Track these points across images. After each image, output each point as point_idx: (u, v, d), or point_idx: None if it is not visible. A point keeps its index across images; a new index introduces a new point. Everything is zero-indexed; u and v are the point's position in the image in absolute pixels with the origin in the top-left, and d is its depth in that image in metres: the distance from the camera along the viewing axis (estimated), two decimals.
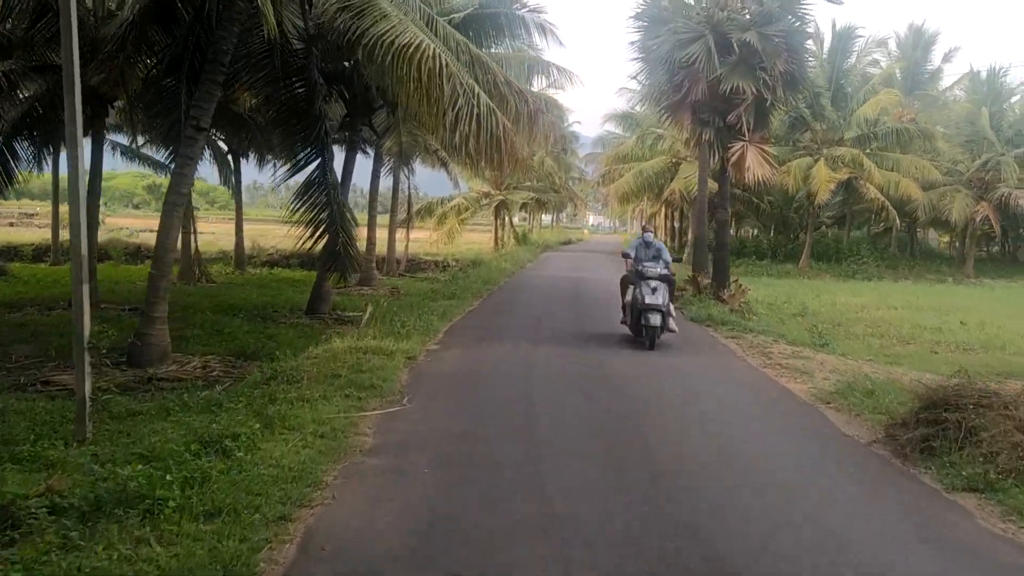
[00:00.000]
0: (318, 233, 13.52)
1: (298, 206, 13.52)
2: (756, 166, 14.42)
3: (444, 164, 31.37)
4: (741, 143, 14.93)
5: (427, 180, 44.93)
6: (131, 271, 24.00)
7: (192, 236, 22.65)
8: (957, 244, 53.14)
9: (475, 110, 11.11)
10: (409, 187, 33.63)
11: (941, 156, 39.01)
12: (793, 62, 15.48)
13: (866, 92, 37.32)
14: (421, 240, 47.91)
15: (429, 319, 13.56)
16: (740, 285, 15.60)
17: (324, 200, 13.62)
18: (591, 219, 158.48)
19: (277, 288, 20.86)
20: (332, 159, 14.34)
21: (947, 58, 43.54)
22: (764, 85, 15.29)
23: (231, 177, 27.18)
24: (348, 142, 19.16)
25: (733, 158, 14.71)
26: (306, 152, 13.96)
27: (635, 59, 18.71)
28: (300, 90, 13.79)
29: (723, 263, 17.95)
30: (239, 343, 11.26)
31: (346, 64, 15.77)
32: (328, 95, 15.71)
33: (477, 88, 11.66)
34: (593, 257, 40.84)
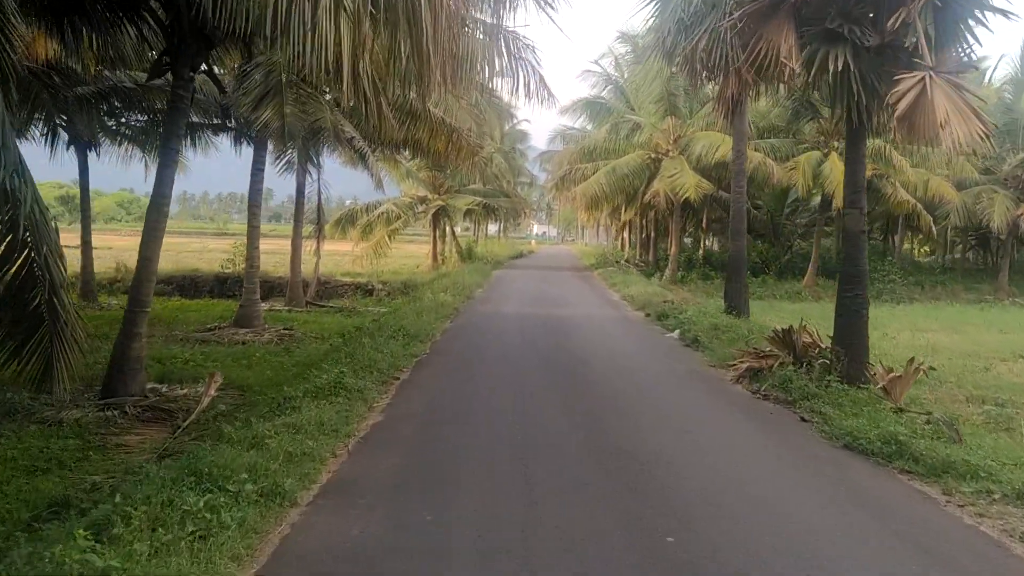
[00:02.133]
0: None
1: None
2: (955, 117, 6.93)
3: (362, 157, 23.28)
4: (917, 74, 7.33)
5: (352, 182, 36.75)
6: None
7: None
8: (940, 254, 47.31)
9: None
10: (319, 188, 25.41)
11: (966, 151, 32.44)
12: None
13: None
14: (342, 255, 39.64)
15: (303, 443, 5.75)
16: (913, 364, 7.92)
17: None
18: (535, 228, 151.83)
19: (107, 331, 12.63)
20: None
21: None
22: None
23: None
24: (170, 100, 11.11)
25: (902, 103, 7.18)
26: None
27: None
28: None
29: (856, 317, 9.48)
30: None
31: None
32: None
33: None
34: (558, 277, 33.08)
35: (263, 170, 18.86)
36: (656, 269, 34.86)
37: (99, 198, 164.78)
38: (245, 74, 15.98)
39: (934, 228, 30.55)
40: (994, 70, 37.97)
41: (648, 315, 17.13)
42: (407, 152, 27.37)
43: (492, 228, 77.11)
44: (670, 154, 31.23)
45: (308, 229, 25.82)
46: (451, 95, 19.23)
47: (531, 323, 15.38)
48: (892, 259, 40.54)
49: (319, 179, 25.44)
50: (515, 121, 52.89)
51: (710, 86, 17.35)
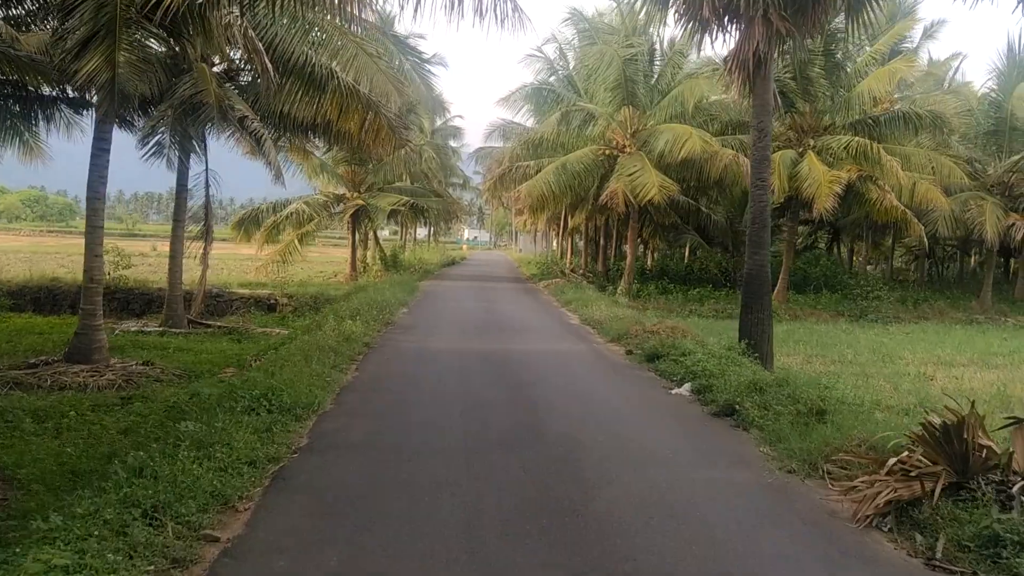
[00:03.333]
0: None
1: None
2: None
3: (257, 141, 18.38)
4: None
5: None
6: None
7: None
8: (884, 265, 44.86)
9: None
10: (207, 180, 20.42)
11: (952, 153, 29.37)
12: None
13: (866, 61, 27.05)
14: (245, 260, 34.28)
15: None
16: None
17: None
18: (466, 233, 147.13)
19: None
20: None
21: (929, 34, 34.18)
22: None
23: None
24: None
25: None
26: None
27: None
28: None
29: None
30: None
31: None
32: None
33: None
34: (500, 291, 28.46)
35: (108, 150, 13.76)
36: (607, 281, 30.73)
37: (1, 195, 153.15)
38: (69, 8, 10.92)
39: (925, 237, 27.19)
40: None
41: (631, 352, 12.74)
42: (318, 140, 22.53)
43: (422, 232, 72.40)
44: (627, 150, 27.15)
45: (195, 230, 20.73)
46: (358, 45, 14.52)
47: (475, 371, 10.71)
48: (858, 272, 37.55)
49: (207, 169, 20.38)
50: (448, 116, 48.38)
51: (717, 42, 13.20)
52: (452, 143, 51.93)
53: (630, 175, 25.10)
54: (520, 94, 31.48)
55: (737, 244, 35.39)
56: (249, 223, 29.74)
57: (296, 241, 29.47)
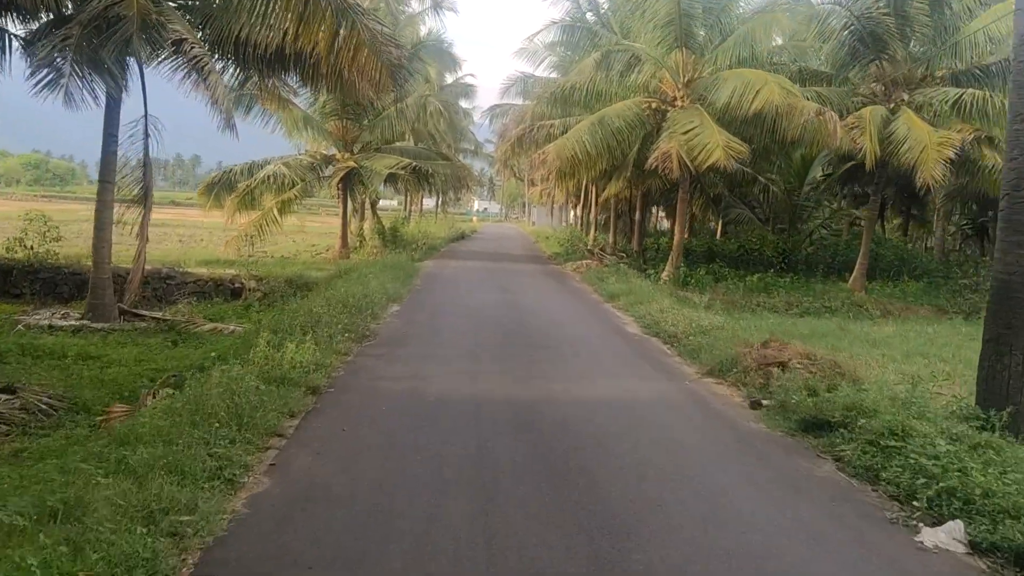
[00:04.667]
0: None
1: None
2: None
3: (199, 70, 13.38)
4: None
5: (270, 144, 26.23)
6: None
7: None
8: (924, 242, 39.42)
9: None
10: (145, 128, 15.50)
11: None
12: None
13: None
14: (218, 231, 29.24)
15: None
16: None
17: None
18: (476, 204, 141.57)
19: None
20: None
21: None
22: None
23: None
24: None
25: None
26: None
27: None
28: None
29: None
30: None
31: None
32: None
33: None
34: (520, 275, 23.40)
35: None
36: (643, 262, 25.65)
37: (2, 159, 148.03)
38: None
39: None
40: None
41: (759, 405, 7.68)
42: (291, 79, 17.45)
43: (429, 203, 67.37)
44: (678, 103, 21.98)
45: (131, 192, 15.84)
46: None
47: (503, 465, 5.70)
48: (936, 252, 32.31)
49: (145, 115, 15.41)
50: (459, 74, 43.04)
51: None
52: (464, 103, 46.67)
53: (685, 133, 19.94)
54: (544, 38, 26.22)
55: (794, 220, 30.26)
56: (221, 188, 24.79)
57: (275, 210, 24.50)
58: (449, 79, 42.60)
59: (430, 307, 14.48)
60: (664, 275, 22.66)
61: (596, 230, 37.43)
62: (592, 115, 21.82)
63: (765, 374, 8.23)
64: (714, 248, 28.06)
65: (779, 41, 25.02)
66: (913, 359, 11.66)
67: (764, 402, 7.61)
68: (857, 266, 23.95)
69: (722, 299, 20.64)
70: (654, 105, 22.34)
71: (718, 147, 19.10)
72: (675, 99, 22.16)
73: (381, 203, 44.42)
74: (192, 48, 13.44)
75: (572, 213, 55.30)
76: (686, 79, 21.91)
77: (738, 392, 8.28)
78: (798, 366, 8.11)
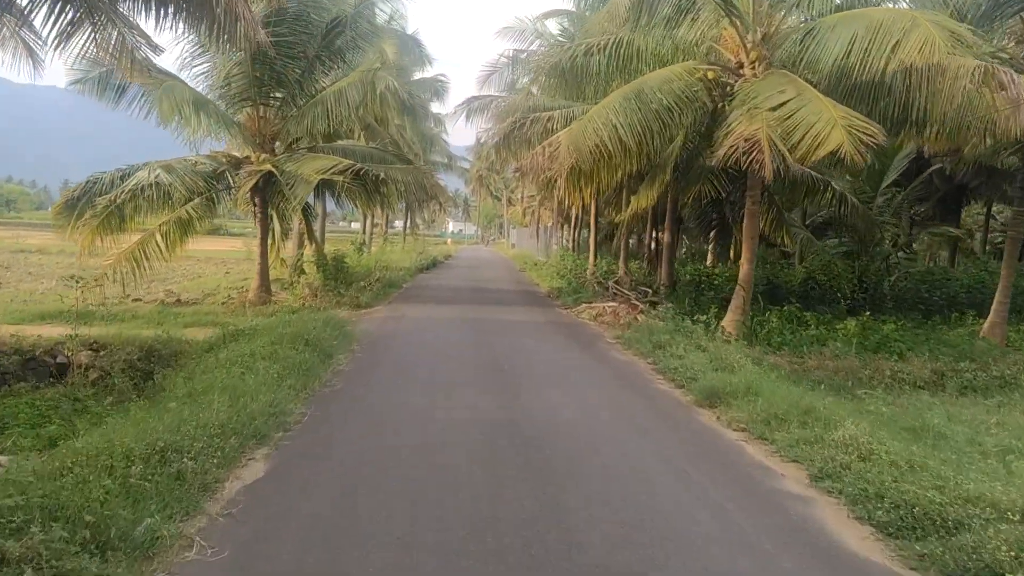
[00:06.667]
0: None
1: None
2: None
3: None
4: None
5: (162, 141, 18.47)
6: None
7: None
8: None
9: None
10: None
11: None
12: None
13: None
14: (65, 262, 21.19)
15: None
16: None
17: None
18: (450, 225, 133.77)
19: None
20: None
21: None
22: None
23: None
24: None
25: None
26: None
27: None
28: None
29: None
30: None
31: None
32: None
33: None
34: (516, 330, 15.50)
35: None
36: (687, 302, 18.15)
37: None
38: None
39: None
40: None
41: None
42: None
43: (400, 224, 59.81)
44: (746, 69, 14.67)
45: None
46: None
47: None
48: None
49: None
50: (426, 69, 35.75)
51: None
52: (435, 108, 39.31)
53: (775, 110, 12.59)
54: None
55: (866, 241, 22.96)
56: (85, 205, 17.05)
57: (158, 235, 16.81)
58: (417, 76, 35.27)
59: (339, 466, 6.44)
60: (727, 326, 15.20)
61: (598, 255, 29.86)
62: (623, 88, 14.40)
63: None
64: (773, 280, 20.71)
65: None
66: None
67: None
68: (995, 305, 16.83)
69: (826, 367, 13.33)
70: (711, 75, 15.04)
71: (835, 127, 11.71)
72: (741, 65, 14.85)
73: (354, 225, 36.66)
74: None
75: (560, 234, 47.84)
76: (761, 34, 14.62)
77: None
78: None
